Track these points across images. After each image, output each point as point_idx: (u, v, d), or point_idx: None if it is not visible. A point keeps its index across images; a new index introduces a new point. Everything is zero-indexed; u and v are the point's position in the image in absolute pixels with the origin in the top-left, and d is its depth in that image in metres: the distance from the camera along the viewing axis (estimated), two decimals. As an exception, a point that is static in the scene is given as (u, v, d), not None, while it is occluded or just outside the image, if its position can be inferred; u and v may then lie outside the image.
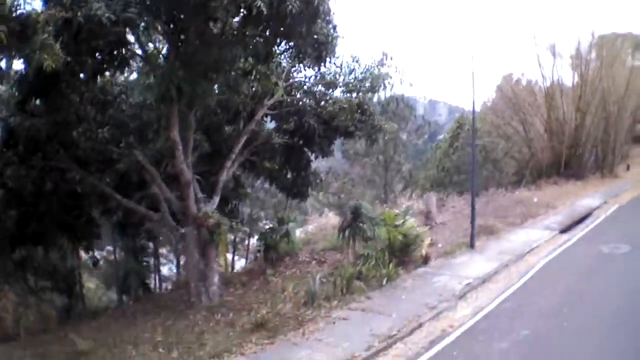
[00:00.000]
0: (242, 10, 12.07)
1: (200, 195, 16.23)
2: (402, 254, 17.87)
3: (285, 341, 12.13)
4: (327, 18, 14.51)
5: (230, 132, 19.12)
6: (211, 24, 13.32)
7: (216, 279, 15.69)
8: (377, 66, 18.92)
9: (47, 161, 15.98)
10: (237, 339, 12.23)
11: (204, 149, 18.20)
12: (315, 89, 19.60)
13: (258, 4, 11.04)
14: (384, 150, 38.32)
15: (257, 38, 13.78)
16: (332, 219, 26.17)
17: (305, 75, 19.57)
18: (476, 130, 26.78)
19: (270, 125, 20.40)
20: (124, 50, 13.46)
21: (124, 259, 25.32)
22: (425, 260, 18.29)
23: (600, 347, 11.06)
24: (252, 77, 17.84)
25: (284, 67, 18.70)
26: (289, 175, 20.42)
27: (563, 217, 25.89)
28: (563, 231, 23.30)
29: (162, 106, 14.25)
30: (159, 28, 13.85)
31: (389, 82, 18.80)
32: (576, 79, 41.55)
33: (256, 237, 24.32)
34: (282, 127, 19.89)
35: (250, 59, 16.44)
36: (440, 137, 49.78)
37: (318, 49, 15.11)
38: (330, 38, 14.98)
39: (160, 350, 12.02)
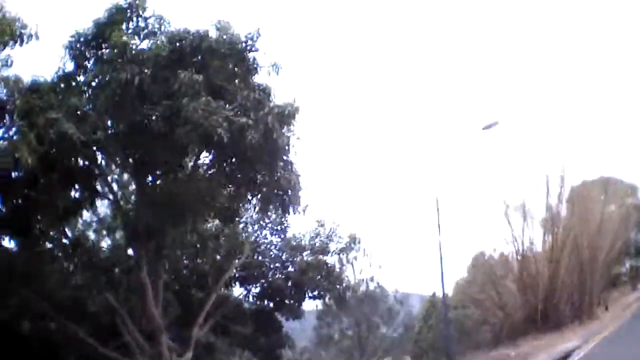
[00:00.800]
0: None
1: (172, 344, 15.65)
2: None
3: None
4: (288, 159, 14.50)
5: (199, 295, 18.84)
6: (179, 165, 13.78)
7: None
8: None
9: (23, 303, 15.44)
10: None
11: (174, 310, 17.89)
12: (281, 254, 19.78)
13: (219, 131, 11.34)
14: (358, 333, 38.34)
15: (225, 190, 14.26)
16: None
17: (271, 241, 19.85)
18: (448, 306, 27.11)
19: (239, 290, 20.28)
20: (95, 183, 13.76)
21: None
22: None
23: None
24: (219, 240, 18.07)
25: (249, 230, 19.03)
26: (261, 340, 19.86)
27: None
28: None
29: (132, 247, 14.29)
30: (127, 161, 14.07)
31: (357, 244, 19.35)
32: (548, 236, 42.66)
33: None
34: (250, 291, 19.79)
35: (216, 222, 16.76)
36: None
37: (282, 197, 15.08)
38: (293, 184, 15.01)
39: None
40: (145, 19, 13.30)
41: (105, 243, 18.05)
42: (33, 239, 15.01)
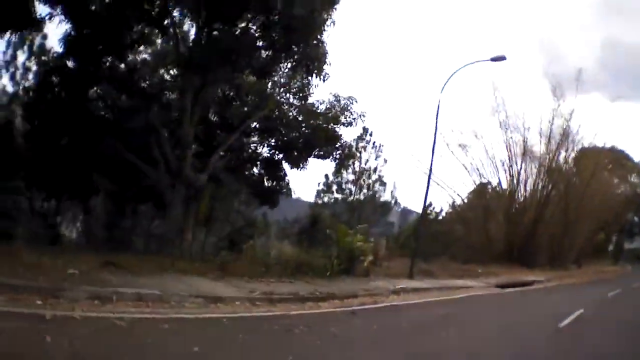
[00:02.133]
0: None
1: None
2: (347, 262, 20.14)
3: (237, 280, 14.36)
4: (322, 37, 17.57)
5: (223, 135, 21.74)
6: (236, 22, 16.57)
7: (190, 235, 17.99)
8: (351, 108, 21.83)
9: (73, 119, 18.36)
10: (195, 273, 14.31)
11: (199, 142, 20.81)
12: (299, 116, 22.34)
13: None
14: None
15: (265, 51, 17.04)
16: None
17: (292, 102, 22.44)
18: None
19: (256, 138, 23.05)
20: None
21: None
22: (367, 273, 20.60)
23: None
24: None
25: (276, 90, 21.64)
26: (265, 183, 22.73)
27: (503, 280, 28.07)
28: (499, 286, 25.65)
29: (185, 76, 17.11)
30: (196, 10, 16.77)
31: (361, 119, 21.78)
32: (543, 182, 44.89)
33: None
34: (265, 141, 22.51)
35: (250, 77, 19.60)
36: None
37: (312, 63, 18.05)
38: (321, 57, 17.95)
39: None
40: None
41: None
42: (95, 63, 17.90)
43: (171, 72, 21.87)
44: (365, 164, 35.09)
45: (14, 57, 23.09)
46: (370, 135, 22.26)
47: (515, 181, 44.98)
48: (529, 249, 42.65)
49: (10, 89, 24.04)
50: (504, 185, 45.92)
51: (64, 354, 6.34)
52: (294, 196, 29.38)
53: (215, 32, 17.38)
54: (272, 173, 22.86)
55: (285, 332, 9.67)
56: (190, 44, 18.40)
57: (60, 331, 7.16)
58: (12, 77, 23.93)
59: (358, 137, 21.98)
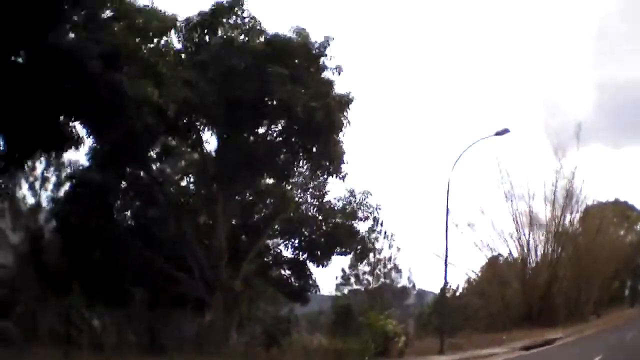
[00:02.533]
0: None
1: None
2: (382, 346, 21.53)
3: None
4: (339, 139, 19.50)
5: (247, 240, 23.34)
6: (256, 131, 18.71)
7: (236, 336, 19.40)
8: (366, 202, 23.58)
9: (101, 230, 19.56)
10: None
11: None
12: (318, 215, 24.00)
13: (297, 109, 16.35)
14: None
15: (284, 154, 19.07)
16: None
17: (311, 202, 24.19)
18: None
19: (280, 240, 24.64)
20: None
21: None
22: (401, 354, 22.02)
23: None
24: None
25: (294, 192, 23.43)
26: (294, 283, 24.17)
27: (527, 343, 29.30)
28: (523, 348, 26.89)
29: (215, 185, 18.99)
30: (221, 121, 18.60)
31: (377, 212, 23.55)
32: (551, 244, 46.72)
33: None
34: (289, 243, 24.11)
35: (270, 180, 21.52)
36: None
37: (328, 166, 19.92)
38: (339, 157, 19.77)
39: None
40: (243, 17, 18.19)
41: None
42: (120, 175, 19.68)
43: (191, 180, 23.38)
44: (380, 254, 36.25)
45: (33, 169, 23.09)
46: (382, 225, 23.77)
47: (525, 250, 46.64)
48: (546, 309, 43.79)
49: (30, 199, 24.10)
50: (515, 254, 47.47)
51: None
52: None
53: (233, 140, 19.21)
54: (298, 272, 24.20)
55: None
56: (214, 154, 20.03)
57: None
58: (31, 187, 23.48)
59: (369, 228, 23.62)
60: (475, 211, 55.95)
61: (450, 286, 45.88)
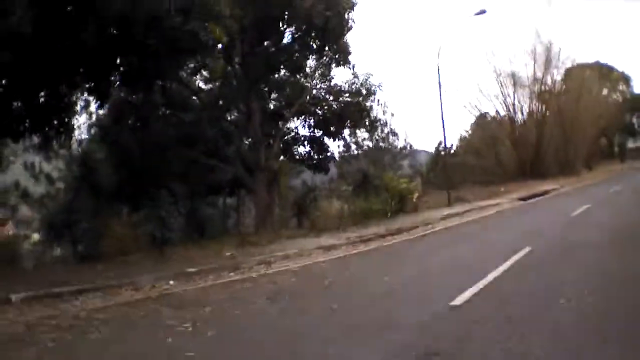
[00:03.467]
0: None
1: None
2: (399, 203, 25.06)
3: (329, 232, 19.33)
4: (347, 36, 22.26)
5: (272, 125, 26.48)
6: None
7: (277, 209, 22.92)
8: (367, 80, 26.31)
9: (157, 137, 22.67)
10: (300, 235, 19.35)
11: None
12: (328, 97, 26.84)
13: (316, 22, 18.91)
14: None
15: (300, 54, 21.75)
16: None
17: (321, 87, 26.95)
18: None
19: (298, 122, 27.72)
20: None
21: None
22: (416, 209, 25.63)
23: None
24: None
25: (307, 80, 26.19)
26: (314, 157, 27.44)
27: (524, 194, 32.83)
28: (522, 199, 30.57)
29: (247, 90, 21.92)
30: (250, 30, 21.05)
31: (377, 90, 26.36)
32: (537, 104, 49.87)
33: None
34: (306, 123, 27.15)
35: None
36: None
37: (340, 56, 22.76)
38: (346, 52, 22.65)
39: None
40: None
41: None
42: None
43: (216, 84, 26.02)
44: (376, 120, 39.23)
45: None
46: (374, 93, 26.63)
47: (511, 109, 49.93)
48: (538, 164, 47.57)
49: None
50: (502, 113, 50.78)
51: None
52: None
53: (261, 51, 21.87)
54: (317, 147, 27.41)
55: (391, 253, 14.70)
56: (240, 63, 22.60)
57: (280, 278, 12.02)
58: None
59: (364, 96, 26.63)
60: (463, 78, 59.58)
61: (444, 145, 50.20)
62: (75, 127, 17.87)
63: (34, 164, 29.27)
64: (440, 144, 46.73)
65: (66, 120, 16.45)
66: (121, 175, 22.60)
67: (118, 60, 14.70)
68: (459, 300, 7.81)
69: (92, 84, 15.76)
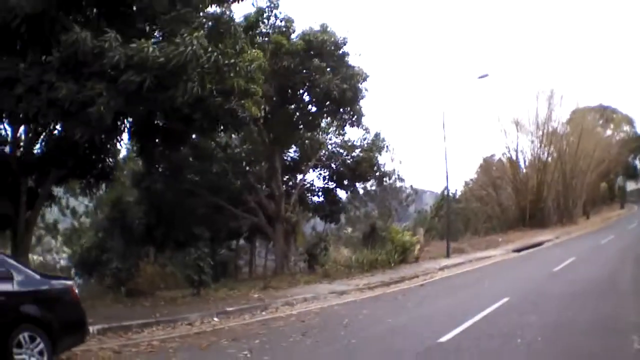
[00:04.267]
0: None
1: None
2: (402, 254, 27.83)
3: (337, 280, 22.08)
4: (360, 102, 25.33)
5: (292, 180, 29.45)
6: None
7: (294, 258, 25.71)
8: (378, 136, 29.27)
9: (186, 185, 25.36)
10: (314, 280, 22.10)
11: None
12: (343, 152, 29.83)
13: (334, 92, 22.12)
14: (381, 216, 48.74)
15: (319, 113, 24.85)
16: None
17: (335, 142, 29.99)
18: (457, 200, 37.26)
19: (314, 174, 30.66)
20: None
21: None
22: (417, 259, 28.41)
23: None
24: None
25: (323, 137, 29.20)
26: (327, 207, 30.30)
27: (519, 245, 35.51)
28: (516, 251, 33.24)
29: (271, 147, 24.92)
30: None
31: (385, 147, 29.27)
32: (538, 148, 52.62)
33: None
34: (321, 175, 30.09)
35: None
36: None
37: (355, 119, 25.82)
38: (360, 113, 25.71)
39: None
40: (280, 19, 23.37)
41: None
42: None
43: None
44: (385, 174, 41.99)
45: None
46: (383, 149, 29.60)
47: (514, 155, 52.62)
48: (538, 212, 50.03)
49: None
50: (505, 157, 53.47)
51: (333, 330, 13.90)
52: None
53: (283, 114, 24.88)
54: (330, 199, 30.33)
55: (394, 299, 17.44)
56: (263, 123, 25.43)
57: (306, 317, 14.79)
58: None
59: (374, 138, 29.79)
60: (470, 129, 62.82)
61: (449, 190, 52.93)
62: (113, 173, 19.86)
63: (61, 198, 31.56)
64: (444, 193, 49.06)
65: (108, 169, 19.08)
66: (150, 219, 25.21)
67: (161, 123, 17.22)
68: (445, 338, 10.54)
69: (139, 145, 19.05)
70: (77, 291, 9.96)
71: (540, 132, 51.65)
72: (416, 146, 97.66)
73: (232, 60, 14.14)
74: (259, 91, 16.77)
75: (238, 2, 16.71)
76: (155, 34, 14.54)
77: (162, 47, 12.40)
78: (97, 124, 12.33)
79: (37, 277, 9.41)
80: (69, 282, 10.20)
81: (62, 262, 35.32)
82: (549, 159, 51.98)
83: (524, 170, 53.07)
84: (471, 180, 55.94)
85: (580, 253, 27.13)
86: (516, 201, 51.25)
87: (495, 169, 54.04)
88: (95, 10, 13.93)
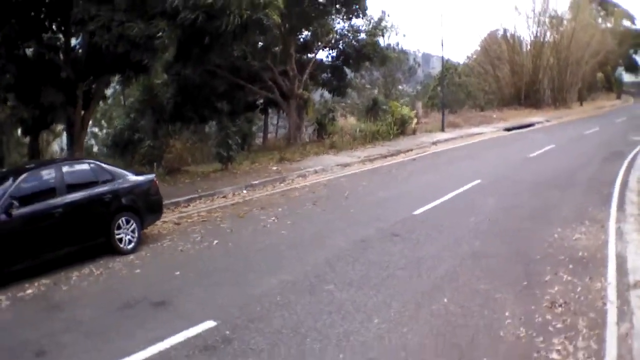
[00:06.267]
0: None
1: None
2: (400, 127, 31.30)
3: (344, 151, 25.73)
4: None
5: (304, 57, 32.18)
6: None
7: (304, 130, 29.24)
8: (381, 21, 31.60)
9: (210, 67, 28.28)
10: (323, 151, 25.73)
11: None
12: (349, 35, 32.32)
13: None
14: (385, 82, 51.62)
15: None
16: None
17: (343, 26, 32.37)
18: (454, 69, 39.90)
19: (324, 53, 33.38)
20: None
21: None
22: (414, 132, 31.92)
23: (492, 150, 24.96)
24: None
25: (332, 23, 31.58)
26: (334, 82, 33.29)
27: (510, 124, 38.81)
28: (506, 129, 36.59)
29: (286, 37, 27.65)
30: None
31: (388, 31, 31.69)
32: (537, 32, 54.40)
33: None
34: (330, 55, 32.83)
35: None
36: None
37: (360, 12, 28.32)
38: (365, 6, 28.19)
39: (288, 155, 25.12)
40: None
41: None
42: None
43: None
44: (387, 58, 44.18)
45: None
46: (385, 33, 32.09)
47: (512, 36, 54.61)
48: (533, 93, 52.77)
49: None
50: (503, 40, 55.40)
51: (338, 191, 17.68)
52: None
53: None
54: (337, 75, 33.23)
55: (389, 172, 21.18)
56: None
57: (316, 189, 18.58)
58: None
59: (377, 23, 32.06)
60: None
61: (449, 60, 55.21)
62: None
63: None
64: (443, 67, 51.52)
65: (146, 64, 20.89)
66: (178, 99, 27.98)
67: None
68: (418, 212, 14.20)
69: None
70: (157, 182, 13.33)
71: (537, 19, 53.15)
72: (425, 14, 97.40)
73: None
74: (281, 1, 19.23)
75: None
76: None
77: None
78: (162, 52, 15.53)
79: (130, 175, 12.78)
80: (151, 176, 13.40)
81: (95, 146, 37.75)
82: (545, 44, 53.86)
83: (523, 51, 54.95)
84: (473, 55, 58.10)
85: (560, 141, 29.45)
86: (513, 81, 53.67)
87: (494, 49, 55.74)
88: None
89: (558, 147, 27.10)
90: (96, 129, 38.27)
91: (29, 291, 9.71)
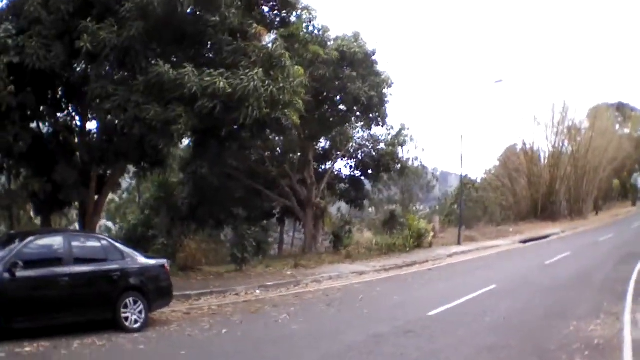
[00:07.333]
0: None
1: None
2: (417, 240, 31.35)
3: (360, 261, 25.72)
4: (386, 105, 28.61)
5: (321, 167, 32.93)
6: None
7: (321, 239, 29.40)
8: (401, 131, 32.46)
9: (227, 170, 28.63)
10: (338, 260, 25.76)
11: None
12: (368, 144, 33.18)
13: (362, 98, 25.62)
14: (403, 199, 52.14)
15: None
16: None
17: (362, 136, 33.31)
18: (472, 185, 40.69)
19: (342, 163, 34.04)
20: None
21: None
22: (430, 245, 31.92)
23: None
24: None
25: (351, 131, 32.54)
26: (352, 193, 33.74)
27: (526, 237, 38.84)
28: (522, 242, 36.54)
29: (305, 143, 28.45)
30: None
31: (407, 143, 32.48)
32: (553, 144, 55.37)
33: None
34: (348, 165, 33.49)
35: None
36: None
37: (380, 121, 29.21)
38: (385, 115, 29.07)
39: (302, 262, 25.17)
40: (316, 28, 26.34)
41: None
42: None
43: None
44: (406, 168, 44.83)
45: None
46: (405, 144, 32.85)
47: (531, 150, 55.48)
48: (550, 205, 52.98)
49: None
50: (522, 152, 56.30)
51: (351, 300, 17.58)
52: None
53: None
54: (356, 186, 33.74)
55: (404, 281, 21.03)
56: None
57: (330, 293, 18.47)
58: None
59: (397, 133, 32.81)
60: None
61: (467, 176, 55.85)
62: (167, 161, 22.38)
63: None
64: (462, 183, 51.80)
65: (162, 157, 21.16)
66: (194, 199, 28.08)
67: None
68: (433, 312, 14.10)
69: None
70: (168, 267, 13.54)
71: (556, 130, 54.32)
72: (443, 133, 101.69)
73: (281, 85, 17.40)
74: (300, 102, 19.94)
75: (284, 28, 20.26)
76: (219, 62, 17.73)
77: (228, 80, 15.81)
78: (178, 138, 16.00)
79: (141, 257, 13.00)
80: (163, 260, 13.67)
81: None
82: (563, 154, 54.66)
83: (541, 163, 55.73)
84: (492, 169, 58.90)
85: (575, 248, 29.94)
86: (530, 193, 54.13)
87: (513, 161, 56.66)
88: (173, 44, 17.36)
89: (573, 254, 27.46)
90: (109, 223, 38.47)
91: (27, 349, 9.80)
